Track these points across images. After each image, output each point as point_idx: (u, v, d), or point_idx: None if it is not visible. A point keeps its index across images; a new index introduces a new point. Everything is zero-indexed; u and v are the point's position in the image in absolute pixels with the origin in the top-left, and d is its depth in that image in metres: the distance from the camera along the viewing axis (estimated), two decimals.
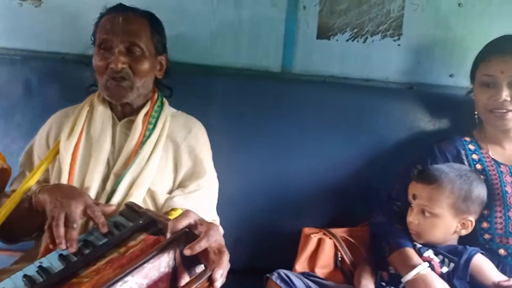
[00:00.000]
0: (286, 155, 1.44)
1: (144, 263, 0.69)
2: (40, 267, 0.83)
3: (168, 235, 0.76)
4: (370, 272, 1.23)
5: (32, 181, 1.12)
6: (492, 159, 1.27)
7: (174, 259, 0.72)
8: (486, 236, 1.21)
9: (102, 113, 1.20)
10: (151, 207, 1.14)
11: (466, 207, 1.17)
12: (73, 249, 0.86)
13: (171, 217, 1.04)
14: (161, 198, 1.15)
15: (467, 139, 1.32)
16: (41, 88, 1.47)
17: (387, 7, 1.48)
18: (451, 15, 1.47)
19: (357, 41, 1.51)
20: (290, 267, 1.29)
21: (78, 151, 1.14)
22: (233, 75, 1.52)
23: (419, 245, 1.19)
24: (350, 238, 1.33)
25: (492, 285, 1.12)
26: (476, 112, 1.31)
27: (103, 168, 1.14)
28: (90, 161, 1.14)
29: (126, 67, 1.14)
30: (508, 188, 1.21)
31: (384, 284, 1.18)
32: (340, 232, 1.34)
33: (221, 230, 1.23)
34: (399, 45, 1.50)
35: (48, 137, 1.23)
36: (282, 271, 1.21)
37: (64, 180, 1.11)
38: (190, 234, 0.77)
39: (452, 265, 1.14)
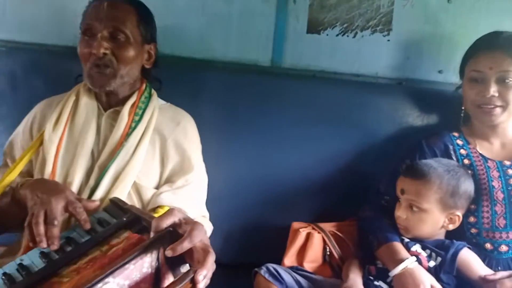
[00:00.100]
0: (275, 150, 1.40)
1: (125, 263, 0.64)
2: (20, 265, 0.79)
3: (152, 234, 0.72)
4: (358, 266, 1.20)
5: (14, 173, 1.07)
6: (480, 154, 1.26)
7: (158, 259, 0.67)
8: (473, 230, 1.19)
9: (87, 103, 1.14)
10: (136, 202, 1.08)
11: (453, 202, 1.15)
12: (55, 246, 0.81)
13: (157, 215, 1.00)
14: (147, 192, 1.10)
15: (455, 134, 1.31)
16: (27, 80, 1.41)
17: (377, 2, 1.45)
18: (440, 11, 1.44)
19: (347, 36, 1.48)
20: (279, 262, 1.26)
21: (62, 143, 1.09)
22: (222, 69, 1.48)
23: (406, 240, 1.17)
24: (338, 233, 1.30)
25: (478, 279, 1.11)
26: (463, 108, 1.29)
27: (87, 160, 1.09)
28: (74, 153, 1.08)
29: (109, 53, 1.08)
30: (495, 183, 1.20)
31: (371, 278, 1.16)
32: (328, 226, 1.31)
33: (210, 226, 1.19)
34: (388, 40, 1.47)
35: (31, 127, 1.17)
36: (271, 265, 1.18)
37: (47, 172, 1.06)
38: (174, 233, 0.72)
39: (439, 259, 1.13)
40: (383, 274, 1.15)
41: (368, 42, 1.47)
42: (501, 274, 1.11)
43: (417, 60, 1.48)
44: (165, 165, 1.14)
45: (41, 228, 0.83)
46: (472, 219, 1.19)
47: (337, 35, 1.48)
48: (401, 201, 1.19)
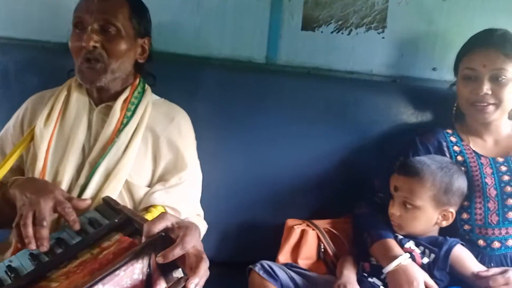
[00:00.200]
0: (269, 147, 1.36)
1: (116, 270, 0.60)
2: (9, 266, 0.75)
3: (143, 239, 0.68)
4: (352, 263, 1.18)
5: (4, 169, 1.02)
6: (473, 151, 1.24)
7: (149, 265, 0.63)
8: (466, 227, 1.18)
9: (78, 98, 1.09)
10: (127, 201, 1.04)
11: (447, 199, 1.13)
12: (45, 248, 0.77)
13: (150, 214, 0.97)
14: (139, 191, 1.05)
15: (449, 131, 1.29)
16: (20, 77, 1.36)
17: None
18: (435, 8, 1.41)
19: (342, 33, 1.44)
20: (274, 259, 1.23)
21: (53, 138, 1.04)
22: (217, 66, 1.44)
23: (400, 237, 1.16)
24: (333, 230, 1.27)
25: (471, 276, 1.10)
26: (455, 105, 1.27)
27: (78, 157, 1.04)
28: (64, 149, 1.03)
29: (99, 46, 1.03)
30: (488, 180, 1.18)
31: (366, 275, 1.14)
32: (323, 223, 1.29)
33: (205, 225, 1.15)
34: (383, 38, 1.44)
35: (22, 122, 1.12)
36: (265, 262, 1.16)
37: (38, 168, 1.01)
38: (166, 238, 0.68)
39: (432, 256, 1.11)
40: (377, 271, 1.13)
41: (362, 40, 1.44)
42: (494, 270, 1.10)
43: (412, 58, 1.45)
44: (157, 163, 1.09)
45: (30, 230, 0.79)
46: (465, 215, 1.18)
47: (332, 32, 1.44)
48: (394, 199, 1.17)
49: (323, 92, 1.40)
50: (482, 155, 1.22)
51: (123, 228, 0.76)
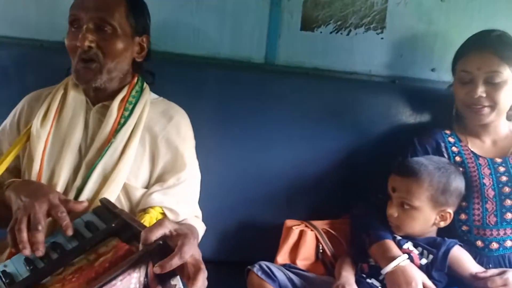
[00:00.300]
0: (268, 147, 1.34)
1: (112, 279, 0.57)
2: (3, 272, 0.71)
3: (141, 246, 0.64)
4: (350, 264, 1.17)
5: (0, 169, 0.98)
6: (471, 151, 1.22)
7: (146, 275, 0.60)
8: (464, 227, 1.17)
9: (75, 98, 1.05)
10: (124, 202, 1.00)
11: (444, 200, 1.11)
12: (40, 252, 0.74)
13: (147, 215, 0.93)
14: (136, 193, 1.01)
15: (447, 132, 1.27)
16: (18, 75, 1.32)
17: (371, 0, 1.39)
18: (434, 9, 1.39)
19: (341, 33, 1.41)
20: (272, 259, 1.21)
21: (49, 139, 1.00)
22: (216, 66, 1.41)
23: (398, 237, 1.14)
24: (331, 230, 1.25)
25: (469, 276, 1.09)
26: (454, 106, 1.25)
27: (74, 157, 1.00)
28: (60, 149, 1.00)
29: (94, 46, 0.98)
30: (486, 181, 1.16)
31: (364, 275, 1.13)
32: (321, 224, 1.27)
33: (203, 226, 1.11)
34: (382, 38, 1.42)
35: (19, 121, 1.08)
36: (264, 263, 1.14)
37: (35, 169, 0.97)
38: (164, 247, 0.65)
39: (431, 257, 1.10)
40: (375, 272, 1.11)
41: (361, 40, 1.41)
42: (492, 271, 1.09)
43: (411, 58, 1.43)
44: (155, 163, 1.05)
45: (24, 235, 0.75)
46: (463, 216, 1.16)
47: (331, 32, 1.41)
48: (392, 199, 1.15)
49: (321, 92, 1.37)
50: (480, 156, 1.21)
51: (120, 233, 0.73)
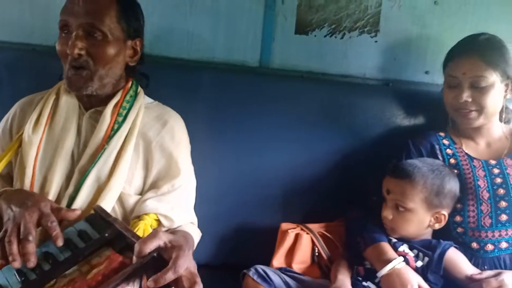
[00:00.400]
0: (263, 151, 1.32)
1: None
2: None
3: (135, 259, 0.62)
4: (346, 267, 1.15)
5: None
6: (466, 153, 1.21)
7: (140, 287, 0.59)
8: (459, 229, 1.16)
9: (67, 103, 1.02)
10: (117, 210, 0.97)
11: (438, 201, 1.11)
12: (31, 263, 0.71)
13: (142, 222, 0.92)
14: (130, 199, 0.98)
15: (442, 134, 1.26)
16: (11, 80, 1.30)
17: (365, 3, 1.38)
18: (427, 12, 1.39)
19: (335, 37, 1.41)
20: (268, 263, 1.19)
21: (41, 145, 0.98)
22: (210, 69, 1.39)
23: (394, 240, 1.13)
24: (327, 233, 1.24)
25: (465, 278, 1.08)
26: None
27: (67, 164, 0.98)
28: (53, 155, 0.97)
29: (84, 53, 0.96)
30: (480, 182, 1.16)
31: (360, 278, 1.11)
32: (317, 227, 1.25)
33: (199, 233, 1.08)
34: (376, 41, 1.41)
35: (11, 127, 1.06)
36: (259, 267, 1.12)
37: (28, 176, 0.95)
38: (159, 259, 0.63)
39: (426, 259, 1.09)
40: (371, 275, 1.10)
41: (355, 43, 1.41)
42: (487, 273, 1.08)
43: (404, 61, 1.43)
44: (149, 170, 1.03)
45: (14, 247, 0.73)
46: (458, 218, 1.16)
47: (325, 36, 1.41)
48: (387, 202, 1.14)
49: (316, 95, 1.36)
50: (474, 158, 1.20)
51: (114, 243, 0.71)
